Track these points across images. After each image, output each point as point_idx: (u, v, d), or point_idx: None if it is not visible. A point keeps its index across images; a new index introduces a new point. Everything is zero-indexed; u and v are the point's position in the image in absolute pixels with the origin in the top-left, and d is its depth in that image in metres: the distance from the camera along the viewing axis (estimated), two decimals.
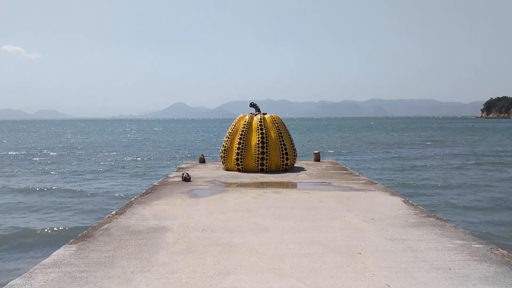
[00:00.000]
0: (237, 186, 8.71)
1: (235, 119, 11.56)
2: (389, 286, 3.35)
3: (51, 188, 15.85)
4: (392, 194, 7.57)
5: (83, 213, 11.92)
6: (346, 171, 10.95)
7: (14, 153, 31.70)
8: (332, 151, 27.73)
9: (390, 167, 21.92)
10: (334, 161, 14.06)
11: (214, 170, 11.30)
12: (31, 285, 3.40)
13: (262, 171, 10.73)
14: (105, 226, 5.29)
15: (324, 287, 3.34)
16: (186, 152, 32.22)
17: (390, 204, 6.56)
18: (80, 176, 19.25)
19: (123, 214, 5.97)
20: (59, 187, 16.19)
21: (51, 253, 4.22)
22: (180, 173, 10.01)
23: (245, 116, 11.38)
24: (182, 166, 12.66)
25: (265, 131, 10.89)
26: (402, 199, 7.04)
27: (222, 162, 11.50)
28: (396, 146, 35.68)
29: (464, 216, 11.70)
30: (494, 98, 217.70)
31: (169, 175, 10.47)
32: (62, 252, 4.22)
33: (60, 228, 10.25)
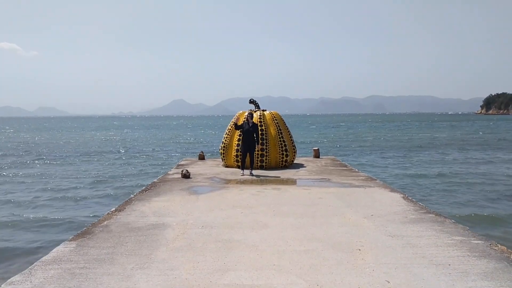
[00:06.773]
0: (237, 182, 8.71)
1: (234, 115, 11.55)
2: (388, 282, 3.36)
3: (52, 183, 15.87)
4: (392, 190, 7.58)
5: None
6: (345, 168, 10.96)
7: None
8: (336, 149, 26.78)
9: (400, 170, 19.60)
10: (334, 157, 14.06)
11: (213, 167, 11.30)
12: (30, 281, 3.40)
13: (261, 167, 10.72)
14: (105, 223, 5.29)
15: (324, 283, 3.35)
16: (186, 149, 32.25)
17: (390, 201, 6.57)
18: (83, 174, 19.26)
19: (123, 211, 5.98)
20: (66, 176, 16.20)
21: (51, 250, 4.23)
22: (179, 170, 10.01)
23: (244, 112, 11.33)
24: (182, 163, 12.66)
25: (265, 128, 10.88)
26: (402, 195, 7.04)
27: (222, 158, 11.49)
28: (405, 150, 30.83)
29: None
30: (493, 95, 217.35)
31: (168, 172, 10.47)
32: (62, 249, 4.22)
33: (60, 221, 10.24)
